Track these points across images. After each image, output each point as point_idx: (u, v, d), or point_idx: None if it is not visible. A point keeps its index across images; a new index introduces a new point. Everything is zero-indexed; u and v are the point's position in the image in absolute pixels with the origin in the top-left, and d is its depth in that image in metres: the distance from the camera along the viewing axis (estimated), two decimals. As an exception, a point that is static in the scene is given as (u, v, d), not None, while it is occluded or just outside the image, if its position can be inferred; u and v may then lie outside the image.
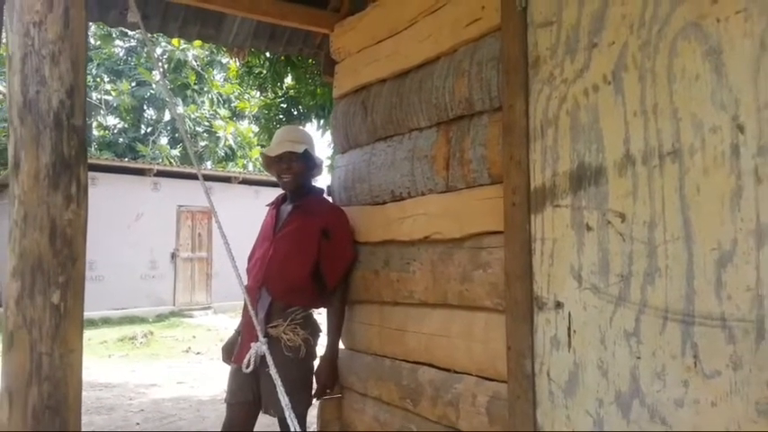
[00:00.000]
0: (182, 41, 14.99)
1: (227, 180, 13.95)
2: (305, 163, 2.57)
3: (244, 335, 2.56)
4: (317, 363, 2.60)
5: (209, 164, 16.80)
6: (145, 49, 16.64)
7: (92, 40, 16.65)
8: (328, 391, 2.64)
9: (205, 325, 12.08)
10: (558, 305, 1.64)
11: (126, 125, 17.54)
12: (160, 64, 16.08)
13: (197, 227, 14.05)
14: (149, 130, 17.79)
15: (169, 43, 15.82)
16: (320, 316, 2.65)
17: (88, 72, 15.96)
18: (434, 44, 2.22)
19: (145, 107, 17.57)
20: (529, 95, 1.75)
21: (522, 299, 1.74)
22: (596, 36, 1.56)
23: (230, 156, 17.62)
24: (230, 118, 17.91)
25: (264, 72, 7.69)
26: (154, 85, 16.11)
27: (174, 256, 13.67)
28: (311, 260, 2.50)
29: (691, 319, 1.33)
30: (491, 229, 1.95)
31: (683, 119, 1.36)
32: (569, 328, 1.61)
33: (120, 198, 12.67)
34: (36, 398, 0.86)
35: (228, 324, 11.11)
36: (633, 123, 1.46)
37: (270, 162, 2.63)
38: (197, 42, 15.23)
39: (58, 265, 0.90)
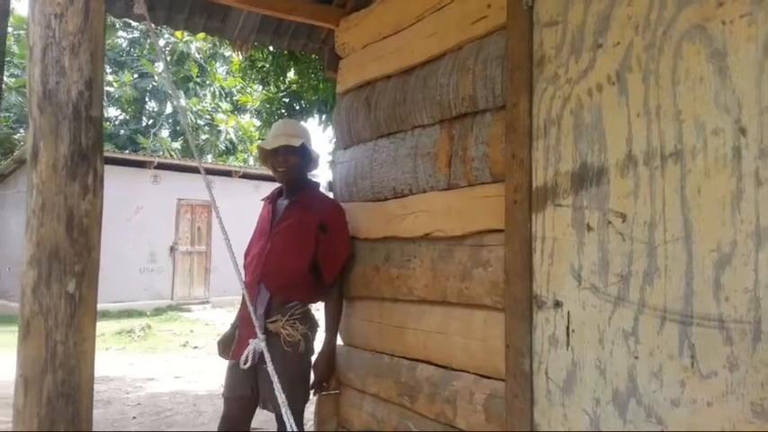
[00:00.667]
0: (185, 34, 14.99)
1: (227, 174, 13.95)
2: (301, 157, 2.57)
3: (242, 330, 2.56)
4: (314, 358, 2.60)
5: (209, 157, 16.79)
6: (148, 41, 16.62)
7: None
8: (325, 384, 2.64)
9: (203, 319, 12.08)
10: (558, 304, 1.65)
11: (127, 117, 17.54)
12: (160, 56, 16.09)
13: (196, 220, 14.05)
14: (150, 122, 17.78)
15: (172, 35, 15.81)
16: (317, 312, 2.66)
17: (91, 63, 16.02)
18: (440, 41, 2.23)
19: (147, 99, 17.56)
20: (533, 94, 1.76)
21: (522, 297, 1.75)
22: (601, 36, 1.57)
23: (231, 150, 17.62)
24: (232, 111, 17.91)
25: (267, 66, 7.69)
26: (156, 77, 16.10)
27: (173, 249, 13.67)
28: (309, 255, 2.50)
29: (689, 319, 1.34)
30: (492, 228, 1.96)
31: (685, 120, 1.37)
32: (568, 327, 1.62)
33: (120, 190, 12.63)
34: (51, 385, 0.88)
35: (226, 319, 11.13)
36: (636, 124, 1.47)
37: (266, 155, 2.63)
38: (200, 35, 15.22)
39: (75, 254, 0.91)
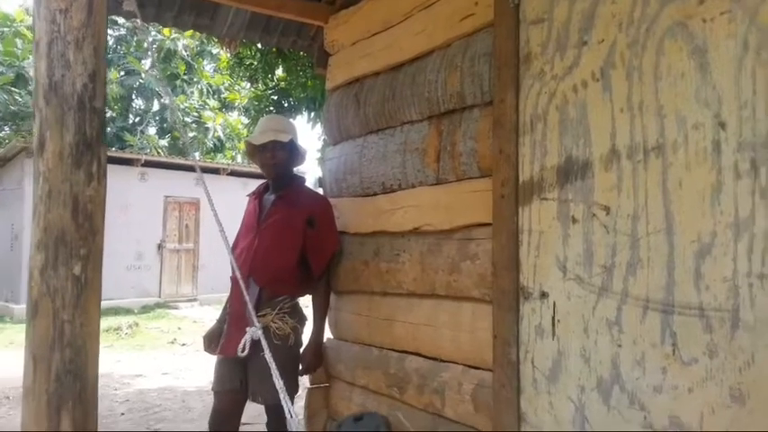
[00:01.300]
0: (172, 31, 14.91)
1: (215, 171, 13.89)
2: (289, 152, 2.59)
3: (230, 324, 2.58)
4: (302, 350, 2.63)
5: (197, 155, 16.71)
6: (135, 39, 16.50)
7: (80, 28, 16.47)
8: (315, 373, 2.69)
9: (191, 317, 12.05)
10: (544, 295, 1.69)
11: (114, 114, 17.41)
12: (150, 53, 15.99)
13: (184, 218, 13.99)
14: (137, 119, 17.66)
15: (159, 32, 15.70)
16: (306, 308, 2.68)
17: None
18: (428, 38, 2.26)
19: (133, 97, 17.43)
20: (519, 90, 1.79)
21: (509, 289, 1.79)
22: (586, 34, 1.61)
23: (219, 147, 17.55)
24: (219, 109, 17.83)
25: (255, 63, 7.68)
26: (143, 75, 15.99)
27: (160, 247, 13.60)
28: (297, 249, 2.53)
29: (670, 308, 1.38)
30: (480, 221, 1.99)
31: (667, 115, 1.41)
32: (554, 318, 1.65)
33: (108, 188, 12.56)
34: (59, 362, 0.91)
35: (214, 316, 11.09)
36: (620, 119, 1.51)
37: (253, 150, 2.65)
38: (188, 32, 15.13)
39: (80, 238, 0.95)
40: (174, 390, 6.23)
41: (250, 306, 2.08)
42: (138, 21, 2.16)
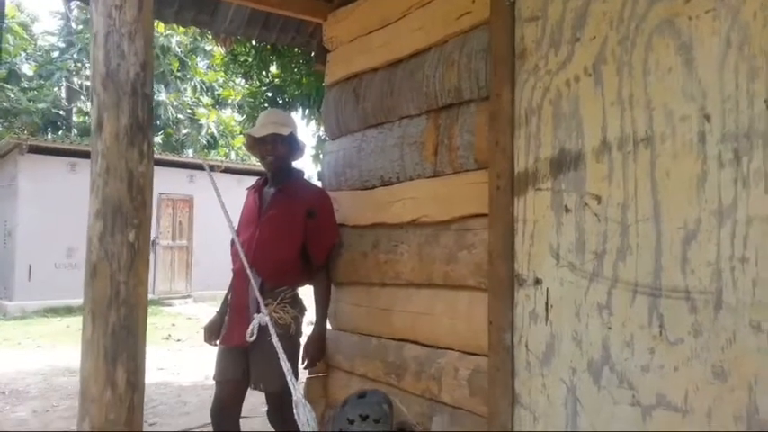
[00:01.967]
0: (166, 27, 14.88)
1: (210, 168, 13.91)
2: (289, 146, 2.65)
3: (232, 315, 2.63)
4: (303, 340, 2.69)
5: (190, 152, 16.72)
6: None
7: (73, 24, 16.46)
8: (317, 364, 2.74)
9: (185, 313, 12.07)
10: (538, 282, 1.76)
11: (107, 111, 17.33)
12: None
13: (178, 215, 14.00)
14: (131, 116, 17.58)
15: (154, 29, 15.64)
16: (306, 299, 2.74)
17: (70, 57, 15.60)
18: (426, 35, 2.32)
19: (127, 93, 17.36)
20: (515, 85, 1.86)
21: (504, 276, 1.86)
22: (579, 31, 1.68)
23: (212, 144, 17.54)
24: (213, 106, 17.82)
25: (250, 60, 7.71)
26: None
27: (154, 243, 13.61)
28: (299, 241, 2.59)
29: (658, 292, 1.45)
30: (476, 212, 2.06)
31: (655, 108, 1.48)
32: (547, 303, 1.73)
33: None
34: (114, 319, 1.01)
35: (208, 313, 11.11)
36: (610, 112, 1.58)
37: (253, 143, 2.70)
38: (181, 29, 15.10)
39: (134, 209, 1.05)
40: (170, 385, 6.27)
41: (257, 293, 2.13)
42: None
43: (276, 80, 8.22)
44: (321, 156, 4.49)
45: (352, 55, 2.78)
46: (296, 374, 2.67)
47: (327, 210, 2.70)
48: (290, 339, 2.58)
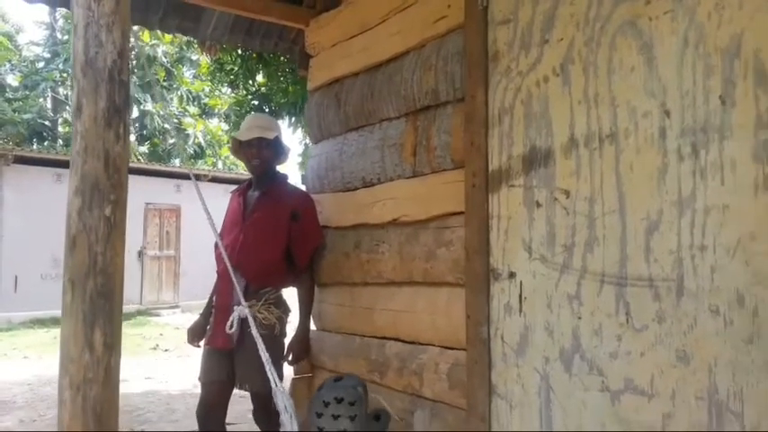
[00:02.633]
0: (151, 36, 14.91)
1: (196, 177, 13.89)
2: (274, 149, 2.70)
3: (217, 317, 2.67)
4: (287, 341, 2.73)
5: (177, 161, 16.70)
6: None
7: (59, 35, 16.43)
8: (303, 364, 2.79)
9: (173, 323, 12.02)
10: (512, 275, 1.82)
11: (93, 121, 17.29)
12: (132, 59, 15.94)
13: (165, 225, 13.96)
14: (117, 126, 17.56)
15: (138, 39, 15.67)
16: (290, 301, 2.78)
17: (55, 67, 15.53)
18: (404, 40, 2.39)
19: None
20: (488, 87, 1.93)
21: (480, 271, 1.91)
22: (548, 33, 1.75)
23: (199, 153, 17.53)
24: (200, 115, 17.83)
25: (236, 69, 7.76)
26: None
27: (141, 254, 13.56)
28: (283, 243, 2.63)
29: (624, 281, 1.51)
30: (454, 210, 2.12)
31: (619, 105, 1.55)
32: (521, 295, 1.78)
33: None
34: (92, 287, 1.07)
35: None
36: (577, 110, 1.65)
37: (239, 147, 2.75)
38: (167, 38, 15.13)
39: (111, 186, 1.13)
40: (158, 393, 6.25)
41: (239, 289, 2.17)
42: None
43: (262, 89, 8.27)
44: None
45: (333, 60, 2.84)
46: (280, 375, 2.70)
47: (311, 212, 2.75)
48: (275, 339, 2.62)
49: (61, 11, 14.35)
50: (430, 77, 2.21)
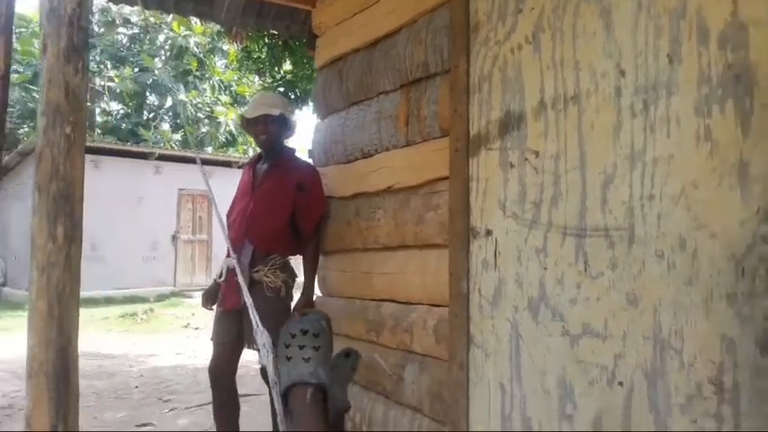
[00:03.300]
0: (182, 28, 15.26)
1: (227, 165, 14.26)
2: (280, 125, 2.87)
3: (228, 281, 2.86)
4: (293, 304, 2.89)
5: (210, 149, 17.11)
6: (148, 36, 16.91)
7: (95, 27, 16.93)
8: None
9: (204, 305, 12.37)
10: (488, 233, 1.93)
11: (128, 110, 17.86)
12: (162, 51, 16.41)
13: (197, 210, 14.37)
14: (151, 115, 18.12)
15: (171, 30, 16.09)
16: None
17: (92, 59, 16.02)
18: (398, 16, 2.50)
19: (147, 93, 17.90)
20: (470, 56, 2.03)
21: (462, 231, 2.03)
22: (521, 2, 1.85)
23: (231, 141, 17.92)
24: (231, 104, 18.20)
25: (263, 56, 7.95)
26: (156, 72, 16.43)
27: (174, 238, 14.01)
28: (288, 211, 2.80)
29: (583, 232, 1.62)
30: (441, 176, 2.23)
31: (582, 68, 1.65)
32: (496, 251, 1.90)
33: (123, 181, 13.01)
34: (55, 190, 1.28)
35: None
36: (546, 75, 1.75)
37: (247, 123, 2.94)
38: (198, 29, 15.47)
39: (70, 110, 1.31)
40: (186, 367, 6.53)
41: (232, 251, 2.34)
42: (142, 8, 2.44)
43: (288, 76, 8.46)
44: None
45: (337, 38, 2.98)
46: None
47: (316, 183, 2.90)
48: (281, 302, 2.79)
49: (97, 4, 14.82)
50: (420, 51, 2.33)
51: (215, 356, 2.89)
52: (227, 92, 18.18)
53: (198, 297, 12.56)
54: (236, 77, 17.35)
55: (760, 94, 1.26)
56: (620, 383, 1.50)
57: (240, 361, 2.90)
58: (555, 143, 1.71)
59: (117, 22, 16.54)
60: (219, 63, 18.44)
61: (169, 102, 17.58)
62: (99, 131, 16.59)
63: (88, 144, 12.28)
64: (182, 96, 16.16)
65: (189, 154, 13.70)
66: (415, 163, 2.38)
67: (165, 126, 18.10)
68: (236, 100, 18.12)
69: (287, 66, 8.20)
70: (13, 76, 15.29)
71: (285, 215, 2.81)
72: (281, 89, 8.58)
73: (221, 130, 17.26)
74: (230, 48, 13.25)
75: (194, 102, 16.69)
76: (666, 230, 1.42)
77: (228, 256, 2.79)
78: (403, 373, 2.37)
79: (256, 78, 10.71)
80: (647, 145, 1.48)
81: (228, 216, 2.98)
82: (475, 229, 1.99)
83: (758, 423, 1.24)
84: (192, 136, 15.90)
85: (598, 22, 1.61)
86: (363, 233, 2.69)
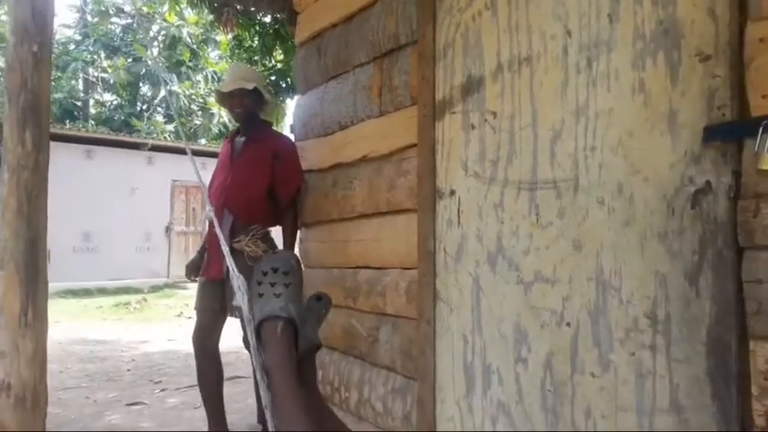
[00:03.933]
0: (176, 18, 15.27)
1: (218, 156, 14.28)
2: (254, 98, 2.94)
3: (210, 251, 2.95)
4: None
5: (203, 140, 17.13)
6: (141, 27, 16.89)
7: (89, 17, 16.94)
8: None
9: (198, 294, 12.45)
10: (452, 193, 2.03)
11: (122, 101, 17.87)
12: (156, 43, 16.42)
13: (191, 201, 14.43)
14: (145, 106, 18.13)
15: (165, 20, 16.09)
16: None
17: (86, 48, 16.01)
18: (372, -11, 2.59)
19: (141, 84, 17.90)
20: (436, 25, 2.12)
21: (429, 193, 2.13)
22: (481, -29, 1.93)
23: (224, 133, 17.94)
24: (225, 96, 18.13)
25: (254, 45, 8.01)
26: (149, 62, 16.43)
27: (168, 229, 14.07)
28: (266, 182, 2.88)
29: (535, 185, 1.72)
30: (411, 143, 2.32)
31: (534, 31, 1.74)
32: (459, 210, 2.00)
33: (116, 171, 13.06)
34: (23, 101, 1.41)
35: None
36: (503, 39, 1.84)
37: (222, 97, 3.01)
38: (191, 19, 15.45)
39: (36, 30, 1.46)
40: (178, 353, 6.61)
41: (212, 214, 2.42)
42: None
43: (279, 65, 8.53)
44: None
45: (316, 14, 3.06)
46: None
47: (292, 154, 2.99)
48: (261, 271, 2.88)
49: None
50: (392, 22, 2.41)
51: (198, 324, 2.98)
52: (220, 83, 18.17)
53: (192, 289, 12.60)
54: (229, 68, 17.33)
55: (686, 45, 1.36)
56: (568, 324, 1.60)
57: (232, 347, 2.99)
58: (510, 103, 1.81)
59: (110, 11, 16.53)
60: (213, 54, 18.45)
61: (162, 92, 17.60)
62: (92, 122, 16.61)
63: (81, 134, 12.29)
64: (175, 87, 16.19)
65: (182, 145, 13.76)
66: (388, 132, 2.47)
67: (159, 117, 18.12)
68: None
69: (278, 54, 8.26)
70: None
71: (263, 185, 2.89)
72: (273, 77, 8.65)
73: (214, 121, 17.29)
74: (223, 38, 13.29)
75: (187, 93, 16.71)
76: (606, 178, 1.52)
77: (218, 251, 2.84)
78: (378, 334, 2.47)
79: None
80: (589, 99, 1.58)
81: (209, 189, 3.07)
82: (440, 190, 2.09)
83: (687, 349, 1.34)
84: (185, 127, 15.93)
85: (549, -14, 1.71)
86: (340, 203, 2.79)
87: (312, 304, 1.68)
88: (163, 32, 16.49)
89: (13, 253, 1.53)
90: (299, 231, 3.13)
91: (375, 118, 2.57)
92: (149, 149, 13.62)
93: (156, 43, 16.19)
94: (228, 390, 3.90)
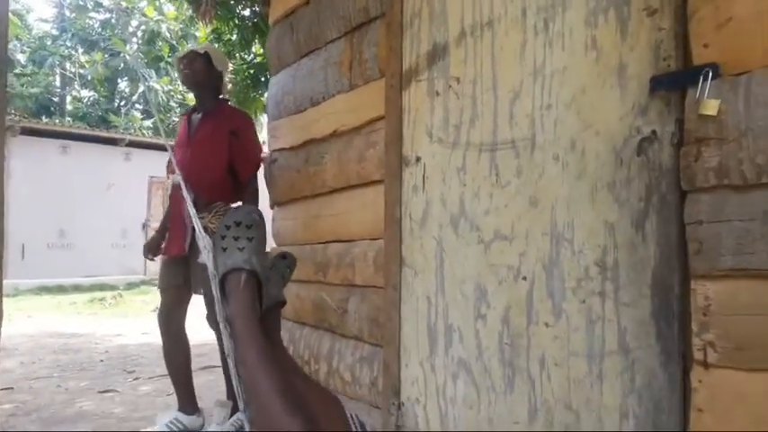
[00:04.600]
0: (156, 13, 15.16)
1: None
2: (205, 64, 2.95)
3: (171, 227, 2.95)
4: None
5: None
6: (120, 21, 16.74)
7: (67, 12, 16.74)
8: None
9: (174, 291, 12.36)
10: (418, 160, 2.07)
11: (99, 97, 17.67)
12: (135, 39, 16.28)
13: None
14: (123, 102, 17.96)
15: (144, 15, 15.96)
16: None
17: (63, 43, 15.88)
18: (343, -35, 2.62)
19: (119, 79, 17.73)
20: (403, -4, 2.16)
21: (395, 161, 2.16)
22: (446, -58, 1.98)
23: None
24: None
25: (233, 39, 7.99)
26: (127, 57, 16.28)
27: (145, 226, 13.93)
28: (225, 158, 2.88)
29: (495, 147, 1.76)
30: (380, 115, 2.35)
31: (496, -3, 1.79)
32: (424, 176, 2.03)
33: (92, 167, 12.92)
34: None
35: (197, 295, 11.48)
36: (466, 4, 1.89)
37: (178, 63, 3.03)
38: (171, 14, 15.36)
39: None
40: (152, 345, 6.56)
41: (179, 178, 2.42)
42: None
43: (258, 58, 8.50)
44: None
45: (289, -7, 3.08)
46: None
47: (250, 129, 3.00)
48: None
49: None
50: (362, -3, 2.45)
51: (163, 303, 2.97)
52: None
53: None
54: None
55: (635, 1, 1.41)
56: (524, 278, 1.65)
57: (209, 339, 2.98)
58: (473, 68, 1.85)
59: (89, 6, 16.36)
60: (192, 51, 18.34)
61: (141, 87, 17.45)
62: (69, 119, 16.40)
63: (57, 128, 12.16)
64: (153, 83, 16.05)
65: (160, 141, 13.66)
66: (357, 105, 2.51)
67: (137, 113, 17.97)
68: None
69: (258, 49, 8.25)
70: None
71: (222, 162, 2.88)
72: (252, 71, 8.63)
73: (194, 117, 17.17)
74: (202, 33, 13.21)
75: (166, 89, 16.59)
76: (561, 135, 1.57)
77: (181, 208, 2.86)
78: (347, 305, 2.50)
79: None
80: (546, 60, 1.63)
81: (168, 167, 3.07)
82: (407, 157, 2.12)
83: (633, 293, 1.40)
84: (164, 123, 15.81)
85: (510, -48, 1.75)
86: (312, 179, 2.81)
87: (277, 262, 1.70)
88: (142, 27, 16.36)
89: None
90: (270, 212, 3.14)
91: (345, 92, 2.60)
92: (126, 145, 13.49)
93: (134, 38, 16.06)
94: (202, 378, 3.91)
